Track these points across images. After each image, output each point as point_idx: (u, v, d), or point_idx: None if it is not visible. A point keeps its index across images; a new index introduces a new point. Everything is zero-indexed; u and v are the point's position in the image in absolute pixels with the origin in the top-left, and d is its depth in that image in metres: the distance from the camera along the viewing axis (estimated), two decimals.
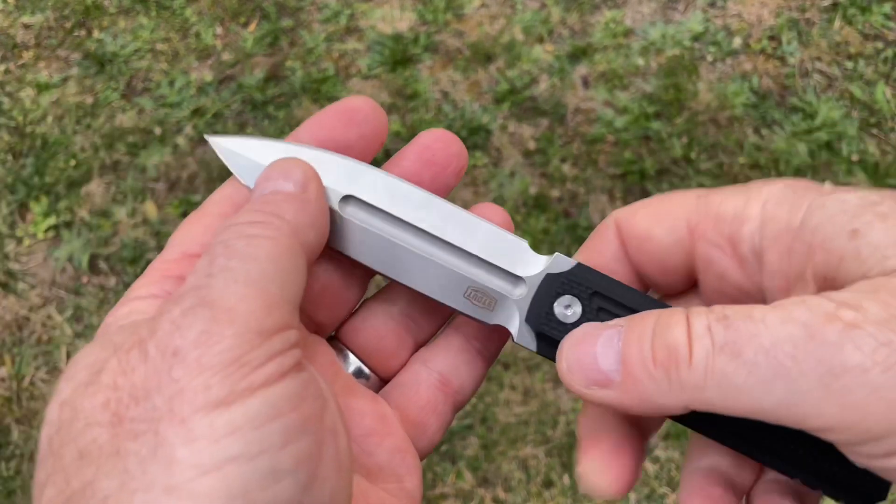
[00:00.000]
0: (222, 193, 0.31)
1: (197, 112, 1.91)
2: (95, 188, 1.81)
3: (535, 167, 1.76)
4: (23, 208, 1.80)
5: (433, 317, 0.34)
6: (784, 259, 0.25)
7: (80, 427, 0.22)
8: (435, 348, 0.34)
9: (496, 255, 0.31)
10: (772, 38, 1.90)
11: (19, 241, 1.75)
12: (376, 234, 0.31)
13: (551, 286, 0.30)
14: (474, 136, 1.79)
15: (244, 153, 0.31)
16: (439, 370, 0.33)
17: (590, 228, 1.62)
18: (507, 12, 2.04)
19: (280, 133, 1.85)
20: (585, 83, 1.88)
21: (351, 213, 0.31)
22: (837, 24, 1.90)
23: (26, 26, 2.16)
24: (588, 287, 0.30)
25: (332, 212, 0.31)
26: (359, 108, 0.32)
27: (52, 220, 1.75)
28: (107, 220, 1.75)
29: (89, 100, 1.98)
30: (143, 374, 0.23)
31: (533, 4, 2.05)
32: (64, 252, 1.71)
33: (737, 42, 1.90)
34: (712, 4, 1.98)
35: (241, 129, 1.88)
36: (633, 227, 0.29)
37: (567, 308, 0.30)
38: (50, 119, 1.95)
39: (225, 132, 1.87)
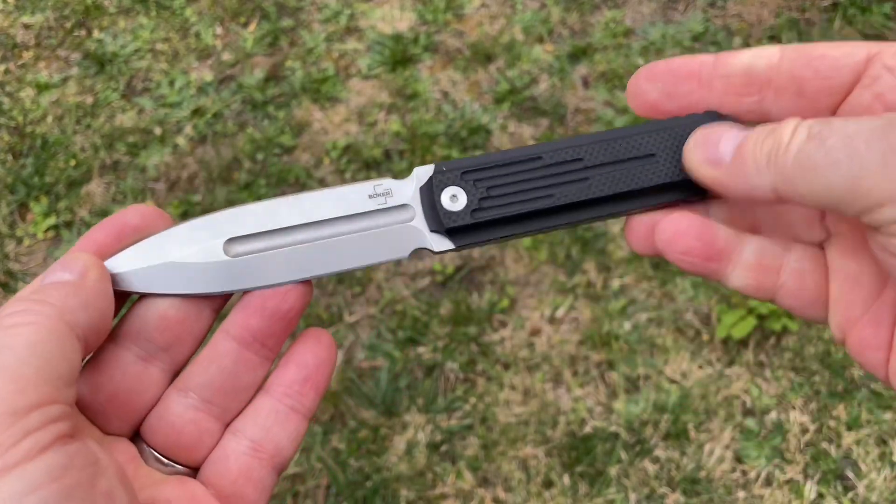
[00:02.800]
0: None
1: (197, 112, 1.91)
2: (95, 188, 1.81)
3: None
4: (23, 208, 1.80)
5: (235, 392, 0.33)
6: None
7: None
8: (244, 417, 0.33)
9: (375, 202, 0.33)
10: (772, 38, 1.90)
11: (19, 241, 1.75)
12: (270, 253, 0.32)
13: (429, 192, 0.33)
14: (474, 136, 1.79)
15: (134, 266, 0.31)
16: (250, 438, 0.33)
17: (590, 229, 1.62)
18: (507, 12, 2.04)
19: (280, 132, 1.85)
20: (585, 83, 1.88)
21: (239, 250, 0.32)
22: (837, 24, 1.90)
23: (26, 26, 2.15)
24: (456, 172, 0.33)
25: (221, 263, 0.32)
26: (130, 218, 0.32)
27: (52, 220, 1.75)
28: None
29: (89, 100, 1.98)
30: None
31: (533, 4, 2.05)
32: (64, 252, 1.71)
33: (737, 42, 1.90)
34: (712, 4, 1.98)
35: (241, 129, 1.88)
36: (810, 50, 0.31)
37: (453, 198, 0.33)
38: (50, 119, 1.95)
39: (225, 132, 1.87)
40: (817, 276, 0.32)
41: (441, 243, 0.34)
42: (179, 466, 0.33)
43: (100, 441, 0.31)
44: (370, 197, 0.33)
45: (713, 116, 0.33)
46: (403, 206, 0.34)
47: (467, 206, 0.33)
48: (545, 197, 0.33)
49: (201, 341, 0.33)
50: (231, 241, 0.32)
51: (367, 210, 0.33)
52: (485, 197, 0.33)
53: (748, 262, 0.32)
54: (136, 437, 0.33)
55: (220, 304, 0.33)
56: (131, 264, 0.31)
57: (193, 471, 0.33)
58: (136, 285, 0.31)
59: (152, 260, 0.31)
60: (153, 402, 0.32)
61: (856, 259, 0.31)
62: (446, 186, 0.33)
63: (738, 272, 0.32)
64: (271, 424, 0.33)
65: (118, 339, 0.32)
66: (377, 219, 0.33)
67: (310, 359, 0.34)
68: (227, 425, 0.33)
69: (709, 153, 0.30)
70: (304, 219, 0.33)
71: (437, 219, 0.33)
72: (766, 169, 0.28)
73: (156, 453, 0.32)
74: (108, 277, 0.30)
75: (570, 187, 0.34)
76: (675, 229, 0.32)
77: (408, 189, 0.34)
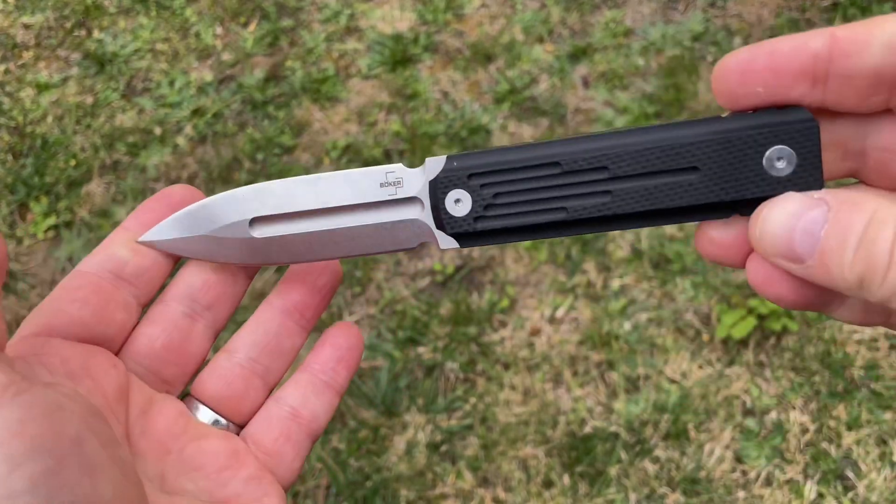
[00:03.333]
0: (61, 284, 0.34)
1: (197, 112, 1.91)
2: (95, 188, 1.81)
3: None
4: (23, 208, 1.80)
5: (278, 354, 0.37)
6: None
7: None
8: (285, 387, 0.37)
9: (386, 191, 0.33)
10: (772, 38, 1.90)
11: (19, 241, 1.75)
12: (290, 237, 0.34)
13: (436, 191, 0.32)
14: (474, 136, 1.79)
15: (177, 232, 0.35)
16: (290, 404, 0.37)
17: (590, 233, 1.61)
18: (507, 12, 2.04)
19: (280, 132, 1.85)
20: (585, 83, 1.88)
21: (262, 231, 0.35)
22: (837, 23, 1.90)
23: (26, 26, 2.15)
24: (463, 173, 0.31)
25: (247, 241, 0.34)
26: (175, 192, 0.36)
27: (52, 220, 1.75)
28: (107, 220, 1.75)
29: (89, 100, 1.98)
30: None
31: (533, 4, 2.05)
32: (64, 252, 1.71)
33: (737, 42, 1.90)
34: (712, 4, 1.98)
35: (241, 129, 1.87)
36: (855, 33, 0.27)
37: (457, 202, 0.32)
38: (50, 119, 1.95)
39: (225, 132, 1.87)
40: None
41: (446, 241, 0.33)
42: (225, 421, 0.36)
43: (147, 396, 0.33)
44: (381, 186, 0.33)
45: (793, 116, 0.27)
46: (412, 198, 0.33)
47: (470, 213, 0.32)
48: (557, 210, 0.31)
49: (238, 303, 0.38)
50: (254, 220, 0.35)
51: (377, 200, 0.33)
52: (490, 204, 0.31)
53: (853, 302, 0.30)
54: (185, 397, 0.36)
55: (253, 270, 0.37)
56: (175, 233, 0.35)
57: (238, 427, 0.36)
58: (183, 250, 0.35)
59: (192, 231, 0.35)
60: (201, 354, 0.36)
61: None
62: (452, 189, 0.32)
63: (843, 311, 0.30)
64: (309, 394, 0.37)
65: (167, 299, 0.36)
66: (387, 211, 0.34)
67: (343, 342, 0.38)
68: (271, 388, 0.37)
69: (781, 251, 0.27)
70: (318, 203, 0.34)
71: (443, 220, 0.32)
72: (856, 289, 0.25)
73: (205, 406, 0.36)
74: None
75: (587, 201, 0.30)
76: (765, 276, 0.29)
77: (418, 181, 0.33)
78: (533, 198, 0.31)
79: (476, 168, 0.31)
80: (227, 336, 0.39)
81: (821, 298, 0.29)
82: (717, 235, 0.31)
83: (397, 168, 0.33)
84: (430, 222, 0.33)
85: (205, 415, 0.36)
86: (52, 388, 0.26)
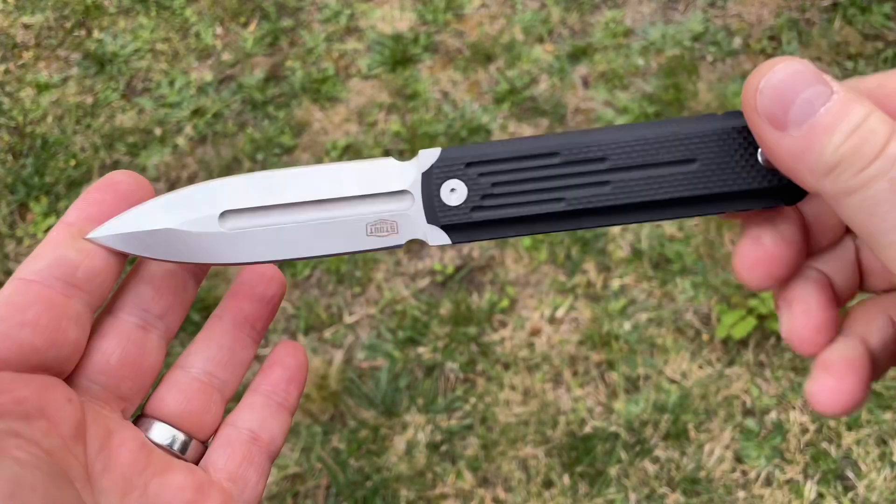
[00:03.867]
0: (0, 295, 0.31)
1: (197, 112, 1.91)
2: None
3: None
4: (23, 208, 1.80)
5: (233, 367, 0.37)
6: None
7: None
8: (239, 411, 0.37)
9: (372, 184, 0.32)
10: (772, 38, 1.90)
11: (19, 241, 1.75)
12: (263, 230, 0.32)
13: (430, 182, 0.31)
14: (474, 136, 1.79)
15: (131, 228, 0.32)
16: (248, 428, 0.36)
17: (590, 229, 1.61)
18: (507, 12, 2.04)
19: (280, 132, 1.85)
20: (585, 83, 1.88)
21: (232, 226, 0.32)
22: (837, 24, 1.90)
23: (26, 26, 2.15)
24: (459, 163, 0.31)
25: (215, 235, 0.32)
26: (121, 180, 0.33)
27: (52, 220, 1.75)
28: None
29: (89, 100, 1.98)
30: None
31: (533, 4, 2.05)
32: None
33: (737, 42, 1.90)
34: (712, 4, 1.98)
35: (241, 129, 1.88)
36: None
37: (452, 192, 0.31)
38: (50, 119, 1.95)
39: (225, 132, 1.87)
40: None
41: (437, 237, 0.31)
42: (183, 437, 0.35)
43: (105, 428, 0.32)
44: (370, 180, 0.32)
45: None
46: (402, 192, 0.32)
47: (466, 202, 0.31)
48: (556, 200, 0.30)
49: (188, 311, 0.36)
50: (226, 213, 0.32)
51: (363, 193, 0.32)
52: (487, 194, 0.31)
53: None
54: (140, 420, 0.35)
55: (202, 275, 0.36)
56: (132, 226, 0.32)
57: (200, 444, 0.36)
58: (136, 248, 0.32)
59: (153, 224, 0.32)
60: (156, 367, 0.35)
61: None
62: (447, 178, 0.31)
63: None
64: (266, 416, 0.37)
65: (117, 309, 0.34)
66: (373, 204, 0.32)
67: (291, 361, 0.38)
68: (227, 402, 0.37)
69: (773, 112, 0.26)
70: (298, 197, 0.32)
71: (436, 212, 0.31)
72: (830, 173, 0.25)
73: (163, 423, 0.35)
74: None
75: (586, 191, 0.30)
76: (801, 326, 0.30)
77: (409, 173, 0.32)
78: (531, 188, 0.30)
79: (474, 157, 0.31)
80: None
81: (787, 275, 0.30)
82: (769, 239, 0.31)
83: (388, 159, 0.32)
84: (421, 217, 0.31)
85: (161, 433, 0.34)
86: (10, 460, 0.25)
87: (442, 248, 1.64)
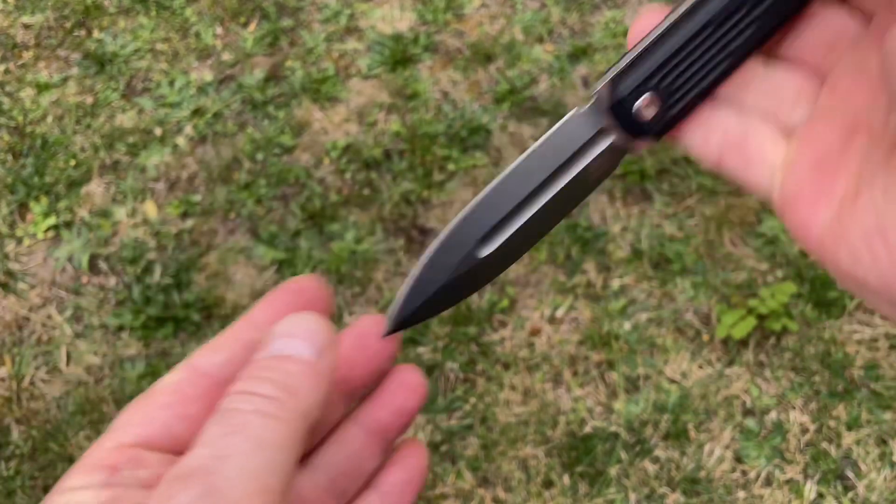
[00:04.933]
0: (172, 379, 0.30)
1: (197, 112, 1.91)
2: (95, 188, 1.81)
3: None
4: (23, 208, 1.80)
5: (356, 478, 0.36)
6: None
7: None
8: None
9: (572, 143, 0.33)
10: None
11: (19, 241, 1.75)
12: (511, 237, 0.33)
13: (622, 109, 0.32)
14: (474, 136, 1.79)
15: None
16: None
17: (590, 229, 1.62)
18: (507, 12, 2.04)
19: (280, 132, 1.85)
20: (585, 83, 1.88)
21: (488, 250, 0.33)
22: None
23: (26, 26, 2.15)
24: (639, 81, 0.31)
25: (479, 264, 0.33)
26: (306, 286, 0.33)
27: (52, 220, 1.75)
28: (107, 220, 1.75)
29: (89, 100, 1.98)
30: None
31: (533, 4, 2.05)
32: (64, 252, 1.71)
33: None
34: None
35: (241, 129, 1.88)
36: None
37: (646, 107, 0.31)
38: (50, 119, 1.95)
39: (225, 132, 1.87)
40: None
41: (643, 143, 0.32)
42: None
43: None
44: (571, 139, 0.33)
45: None
46: (599, 133, 0.33)
47: (661, 110, 0.31)
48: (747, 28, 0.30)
49: (331, 430, 0.35)
50: (479, 242, 0.33)
51: (567, 158, 0.33)
52: (677, 88, 0.31)
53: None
54: None
55: (356, 393, 0.36)
56: (417, 300, 0.32)
57: None
58: (421, 317, 0.33)
59: (428, 292, 0.33)
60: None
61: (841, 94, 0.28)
62: (636, 98, 0.31)
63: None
64: None
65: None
66: (583, 158, 0.33)
67: (414, 462, 0.37)
68: None
69: None
70: (524, 192, 0.33)
71: (634, 130, 0.32)
72: None
73: None
74: (336, 360, 0.30)
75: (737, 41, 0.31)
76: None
77: (597, 115, 0.33)
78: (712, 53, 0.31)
79: (649, 69, 0.31)
80: None
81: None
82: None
83: (570, 116, 0.33)
84: (624, 138, 0.32)
85: None
86: None
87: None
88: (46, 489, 1.46)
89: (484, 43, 1.97)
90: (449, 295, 0.33)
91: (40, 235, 1.74)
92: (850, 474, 1.34)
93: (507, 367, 1.49)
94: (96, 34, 2.11)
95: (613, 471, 1.37)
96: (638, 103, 0.31)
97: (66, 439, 1.49)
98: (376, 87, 1.92)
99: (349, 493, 0.35)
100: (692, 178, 1.69)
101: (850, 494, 1.32)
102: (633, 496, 1.35)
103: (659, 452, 1.38)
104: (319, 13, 2.08)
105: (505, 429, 1.43)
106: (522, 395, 1.46)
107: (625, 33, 1.94)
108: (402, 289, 0.32)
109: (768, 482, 1.35)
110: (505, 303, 1.55)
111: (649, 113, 0.31)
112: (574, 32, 1.98)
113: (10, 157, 1.89)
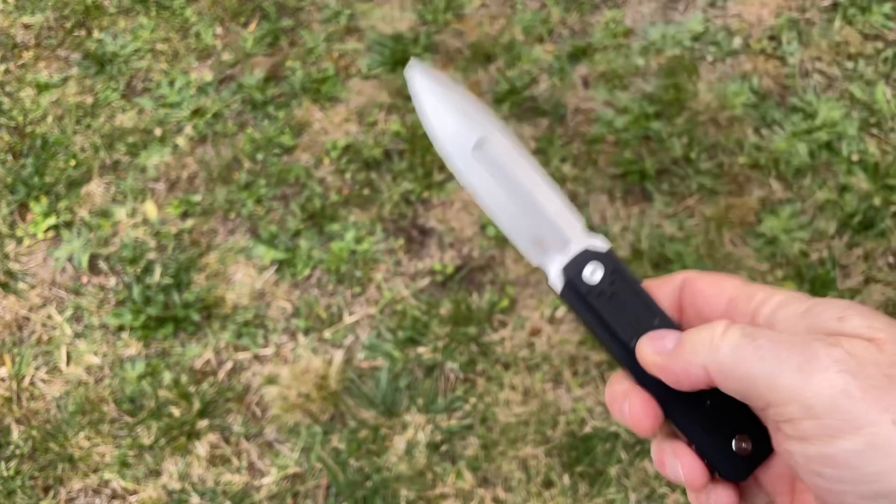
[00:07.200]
0: None
1: (197, 112, 1.91)
2: (95, 188, 1.81)
3: None
4: (23, 208, 1.80)
5: None
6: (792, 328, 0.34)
7: None
8: None
9: (564, 221, 0.39)
10: (772, 38, 1.90)
11: (19, 241, 1.75)
12: (497, 182, 0.39)
13: (587, 254, 0.39)
14: None
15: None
16: None
17: (590, 229, 1.61)
18: (507, 12, 2.04)
19: (280, 132, 1.85)
20: (585, 83, 1.88)
21: (482, 155, 0.39)
22: (837, 24, 1.90)
23: (26, 26, 2.15)
24: (610, 266, 0.39)
25: (468, 157, 0.39)
26: None
27: (52, 220, 1.75)
28: (107, 220, 1.75)
29: (89, 100, 1.98)
30: None
31: (533, 4, 2.05)
32: (64, 252, 1.71)
33: (737, 42, 1.90)
34: (712, 4, 1.98)
35: (241, 129, 1.88)
36: (696, 283, 0.38)
37: (593, 273, 0.38)
38: (50, 119, 1.95)
39: (225, 132, 1.87)
40: None
41: (556, 283, 0.39)
42: None
43: None
44: (565, 218, 0.40)
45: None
46: (570, 240, 0.39)
47: (599, 283, 0.38)
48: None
49: None
50: (481, 141, 0.40)
51: (558, 222, 0.40)
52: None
53: None
54: None
55: None
56: None
57: None
58: None
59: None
60: None
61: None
62: (596, 260, 0.39)
63: None
64: None
65: None
66: (555, 229, 0.40)
67: None
68: None
69: (656, 346, 0.35)
70: (525, 183, 0.40)
71: (573, 272, 0.38)
72: (701, 353, 0.32)
73: None
74: None
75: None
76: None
77: (583, 238, 0.39)
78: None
79: (620, 272, 0.39)
80: None
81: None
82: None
83: (581, 220, 0.40)
84: (562, 264, 0.39)
85: None
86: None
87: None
88: (46, 489, 1.46)
89: (484, 43, 1.97)
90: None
91: (40, 235, 1.74)
92: None
93: (507, 367, 1.49)
94: (96, 34, 2.11)
95: (613, 471, 1.37)
96: (589, 266, 0.39)
97: (66, 439, 1.49)
98: (376, 87, 1.92)
99: None
100: (692, 178, 1.69)
101: None
102: (633, 496, 1.35)
103: None
104: (319, 13, 2.08)
105: (505, 429, 1.43)
106: (522, 395, 1.46)
107: (625, 33, 1.94)
108: None
109: None
110: (505, 303, 1.55)
111: (594, 278, 0.39)
112: (574, 32, 1.98)
113: (10, 157, 1.89)
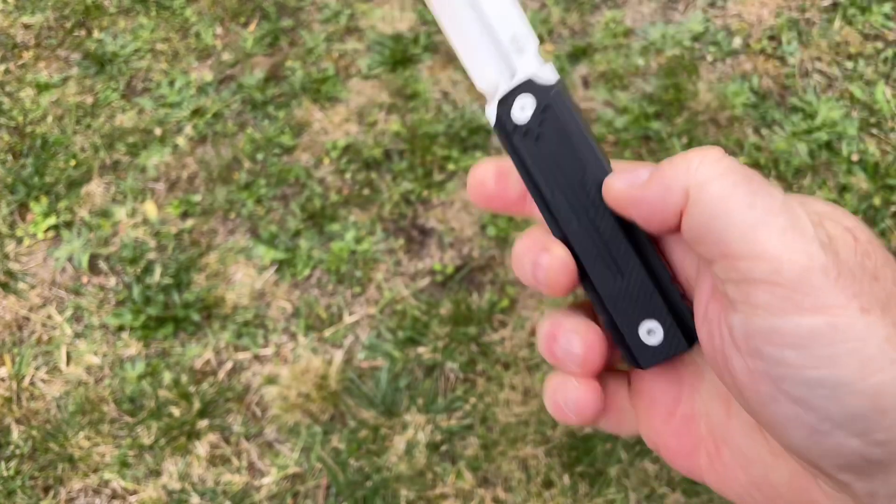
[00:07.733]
0: None
1: (197, 112, 1.91)
2: (95, 188, 1.81)
3: None
4: (23, 208, 1.80)
5: None
6: None
7: None
8: None
9: (515, 46, 0.34)
10: (772, 38, 1.90)
11: (19, 241, 1.75)
12: None
13: (526, 86, 0.33)
14: (474, 136, 1.79)
15: None
16: None
17: None
18: None
19: (280, 132, 1.85)
20: (585, 83, 1.88)
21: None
22: (837, 24, 1.90)
23: (26, 26, 2.15)
24: (543, 101, 0.33)
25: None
26: None
27: (52, 220, 1.75)
28: (107, 220, 1.75)
29: (89, 100, 1.98)
30: None
31: (533, 4, 2.05)
32: (64, 252, 1.71)
33: (737, 42, 1.90)
34: (712, 4, 1.98)
35: (241, 129, 1.88)
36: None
37: (523, 109, 0.33)
38: (50, 119, 1.95)
39: (225, 132, 1.87)
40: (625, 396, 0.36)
41: (491, 114, 0.34)
42: None
43: None
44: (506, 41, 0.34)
45: None
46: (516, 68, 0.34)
47: (528, 121, 0.33)
48: None
49: None
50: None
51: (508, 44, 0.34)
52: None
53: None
54: None
55: None
56: None
57: None
58: None
59: None
60: None
61: (652, 382, 0.34)
62: (528, 93, 0.33)
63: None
64: None
65: None
66: (499, 53, 0.34)
67: None
68: None
69: (628, 179, 0.31)
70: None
71: (504, 106, 0.34)
72: (690, 172, 0.29)
73: None
74: None
75: None
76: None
77: (531, 66, 0.33)
78: None
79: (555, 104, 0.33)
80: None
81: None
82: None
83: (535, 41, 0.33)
84: (501, 94, 0.33)
85: None
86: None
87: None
88: (46, 489, 1.46)
89: None
90: None
91: (40, 235, 1.74)
92: None
93: (507, 367, 1.49)
94: (96, 34, 2.11)
95: (613, 471, 1.37)
96: (519, 98, 0.34)
97: (66, 439, 1.49)
98: (376, 87, 1.92)
99: None
100: None
101: None
102: (633, 496, 1.35)
103: None
104: (319, 13, 2.08)
105: (505, 429, 1.43)
106: (522, 395, 1.46)
107: (625, 33, 1.94)
108: None
109: None
110: (505, 303, 1.55)
111: (522, 116, 0.34)
112: (574, 32, 1.98)
113: (10, 157, 1.89)
